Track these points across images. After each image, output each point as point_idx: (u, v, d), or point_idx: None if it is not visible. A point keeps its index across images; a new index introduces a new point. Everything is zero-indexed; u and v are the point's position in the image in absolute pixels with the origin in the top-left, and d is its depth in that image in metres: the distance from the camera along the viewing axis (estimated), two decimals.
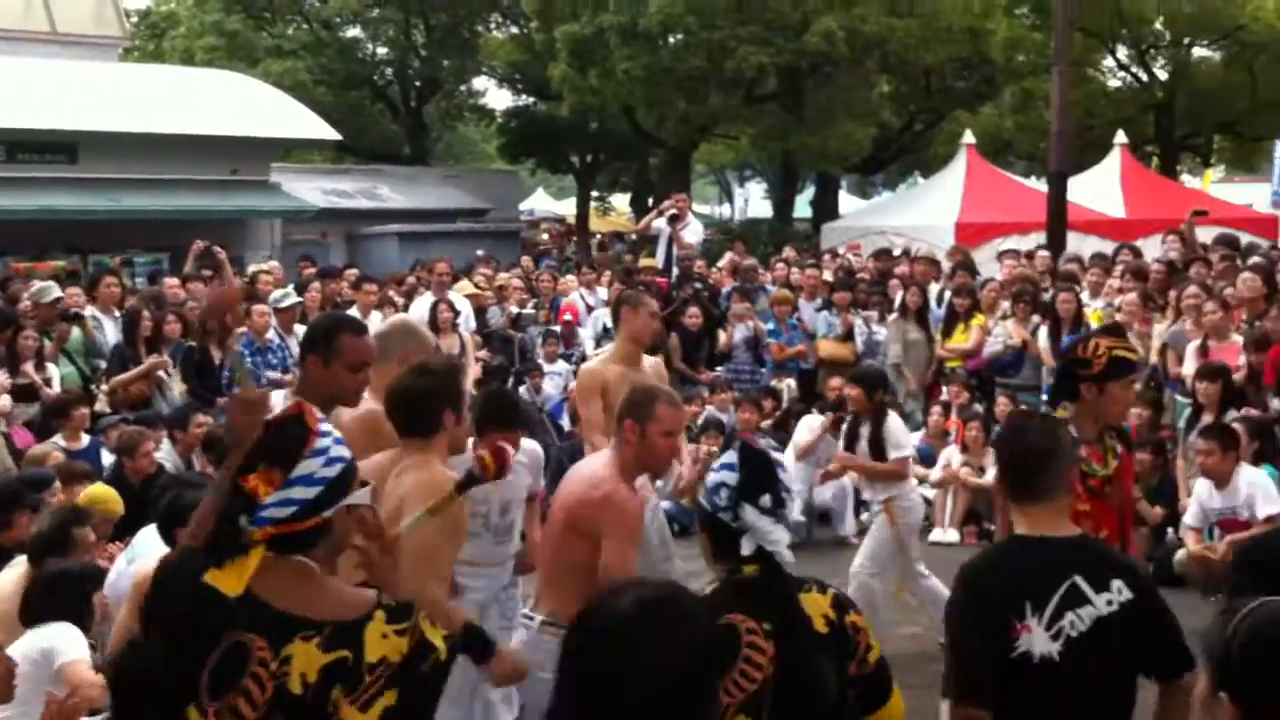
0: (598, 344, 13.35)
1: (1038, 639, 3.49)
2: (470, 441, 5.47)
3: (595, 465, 5.12)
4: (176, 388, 10.90)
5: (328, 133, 23.44)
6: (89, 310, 11.40)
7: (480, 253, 19.34)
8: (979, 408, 11.65)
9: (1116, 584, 3.58)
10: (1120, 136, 22.05)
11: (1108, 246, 15.59)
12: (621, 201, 42.39)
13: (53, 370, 10.36)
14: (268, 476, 2.76)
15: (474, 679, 5.63)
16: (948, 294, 13.13)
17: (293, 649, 2.69)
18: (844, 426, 8.62)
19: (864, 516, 9.22)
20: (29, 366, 10.12)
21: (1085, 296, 12.13)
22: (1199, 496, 8.86)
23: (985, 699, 3.51)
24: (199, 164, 20.72)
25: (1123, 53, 29.29)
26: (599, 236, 32.24)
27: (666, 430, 4.98)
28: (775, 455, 3.51)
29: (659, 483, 6.49)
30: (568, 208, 42.44)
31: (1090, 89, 27.55)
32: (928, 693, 5.24)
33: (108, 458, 8.92)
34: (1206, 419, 9.35)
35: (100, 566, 6.08)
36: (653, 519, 6.17)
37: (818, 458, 10.65)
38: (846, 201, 37.25)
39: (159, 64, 29.92)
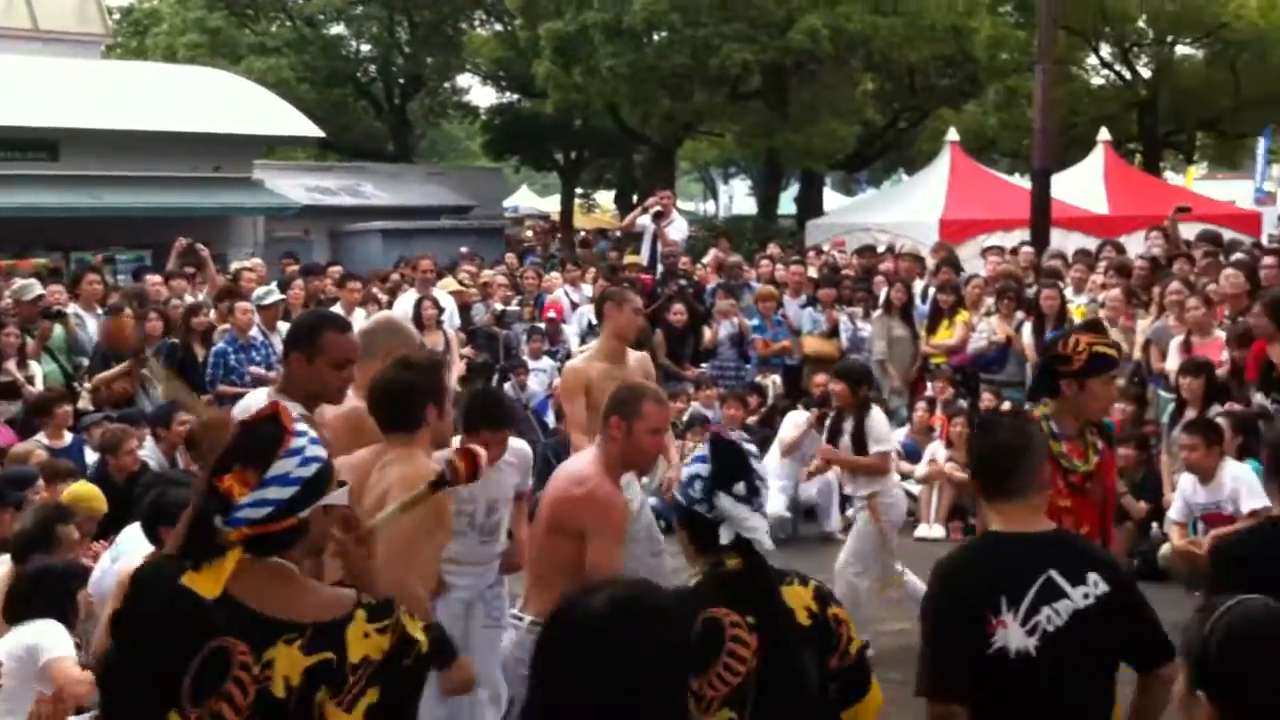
0: (582, 341, 13.35)
1: (1013, 634, 3.50)
2: (457, 439, 5.46)
3: (581, 463, 5.11)
4: (159, 386, 10.86)
5: (311, 130, 23.40)
6: (71, 308, 11.35)
7: (464, 250, 19.31)
8: (964, 403, 11.66)
9: (1093, 577, 3.58)
10: (1103, 134, 22.10)
11: (1091, 243, 15.62)
12: (606, 198, 42.39)
13: (35, 368, 10.31)
14: (242, 477, 2.73)
15: None
16: (932, 290, 13.16)
17: (275, 652, 2.67)
18: (827, 421, 8.63)
19: (849, 512, 9.22)
20: (11, 364, 10.08)
21: (1069, 293, 12.17)
22: (1183, 491, 8.87)
23: (959, 695, 3.51)
24: (182, 161, 20.67)
25: (1106, 50, 29.39)
26: (583, 233, 32.22)
27: (653, 428, 4.97)
28: (747, 446, 3.51)
29: (644, 479, 6.49)
30: (552, 205, 42.45)
31: (1073, 87, 27.63)
32: (913, 688, 5.23)
33: (91, 455, 8.88)
34: (1190, 414, 9.38)
35: (84, 564, 6.06)
36: (639, 515, 6.16)
37: (803, 454, 10.66)
38: (831, 198, 37.29)
39: (141, 61, 29.82)
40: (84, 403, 10.39)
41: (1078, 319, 10.89)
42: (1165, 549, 9.09)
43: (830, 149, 27.31)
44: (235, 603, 2.69)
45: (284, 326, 10.60)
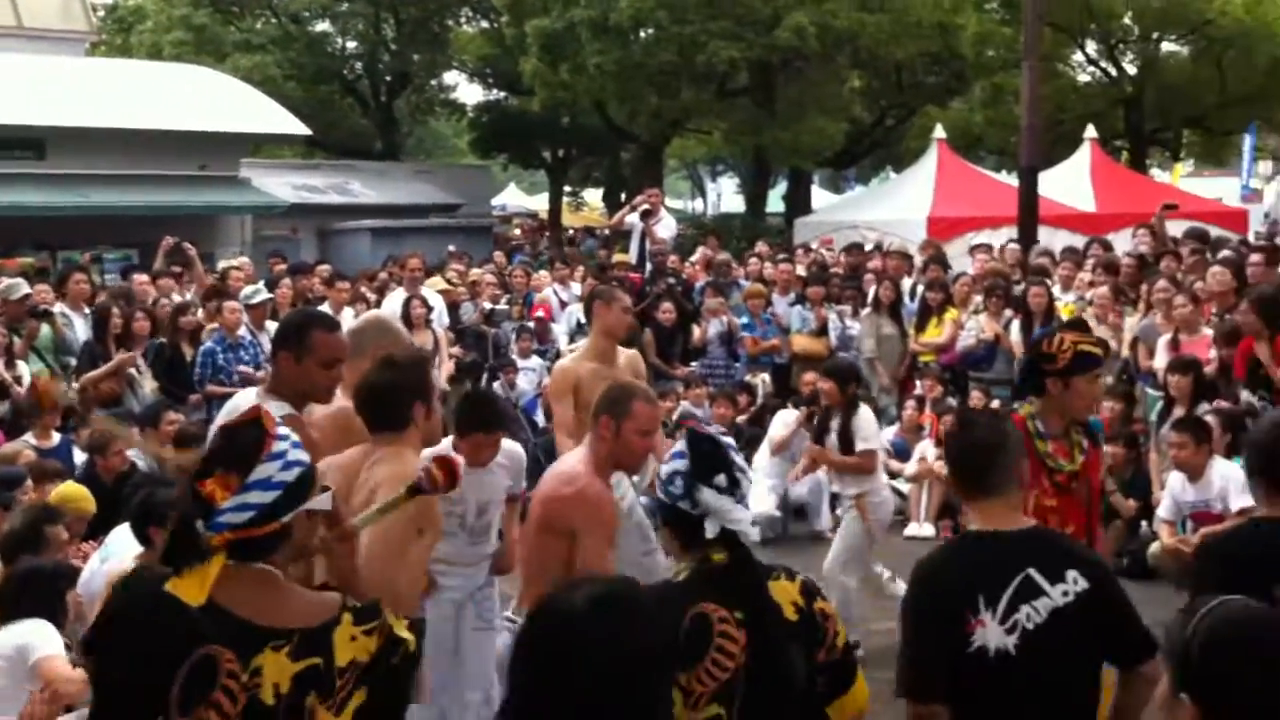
0: (571, 339, 13.36)
1: (992, 633, 3.50)
2: (449, 441, 5.46)
3: (571, 462, 5.11)
4: (148, 385, 10.84)
5: (298, 128, 23.31)
6: (58, 307, 11.30)
7: (452, 248, 19.28)
8: (953, 401, 11.68)
9: (1072, 574, 3.58)
10: (1090, 131, 22.15)
11: (1078, 240, 15.66)
12: (594, 196, 42.40)
13: (23, 368, 10.27)
14: (224, 481, 2.72)
15: (450, 679, 5.64)
16: (920, 288, 13.18)
17: (263, 660, 2.67)
18: (815, 420, 8.63)
19: (838, 511, 9.23)
20: None
21: (1056, 290, 12.19)
22: (1172, 489, 8.89)
23: (939, 695, 3.53)
24: (168, 159, 20.57)
25: (1092, 47, 29.47)
26: (571, 231, 32.21)
27: (643, 429, 4.98)
28: (724, 438, 3.50)
29: (635, 478, 6.48)
30: (540, 203, 42.39)
31: (1060, 84, 27.69)
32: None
33: (79, 456, 8.85)
34: (1178, 412, 9.39)
35: (73, 565, 6.04)
36: (631, 513, 6.16)
37: (793, 453, 10.67)
38: (819, 196, 37.32)
39: (127, 59, 29.70)
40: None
41: (1065, 317, 10.91)
42: (1155, 547, 9.11)
43: (818, 146, 27.32)
44: (221, 610, 2.68)
45: (272, 326, 10.58)
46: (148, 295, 12.38)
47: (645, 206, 15.55)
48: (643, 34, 25.55)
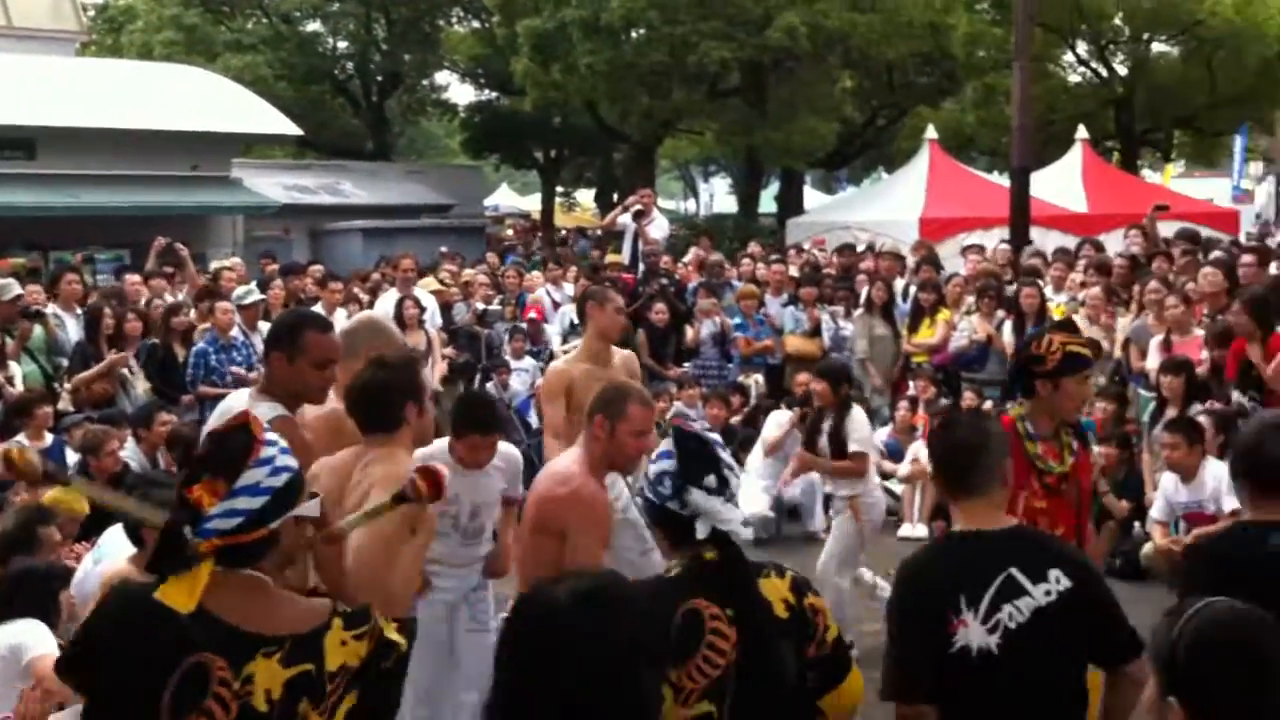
0: (564, 340, 13.35)
1: (974, 633, 3.51)
2: (445, 442, 5.45)
3: (565, 462, 5.11)
4: (140, 385, 10.82)
5: (289, 128, 23.29)
6: (50, 308, 11.28)
7: (444, 249, 19.27)
8: (946, 402, 11.69)
9: (1054, 574, 3.59)
10: (1081, 132, 22.15)
11: (1070, 241, 15.69)
12: (586, 197, 42.37)
13: (15, 368, 10.25)
14: (212, 487, 2.71)
15: (444, 680, 5.64)
16: (913, 289, 13.19)
17: (254, 667, 2.66)
18: (808, 421, 8.64)
19: (831, 513, 9.23)
20: None
21: (1048, 291, 12.21)
22: (1165, 490, 8.91)
23: (924, 695, 3.54)
24: (159, 160, 20.55)
25: (1082, 48, 29.47)
26: (564, 232, 32.19)
27: (636, 430, 4.97)
28: (710, 434, 3.49)
29: (629, 478, 6.48)
30: (532, 203, 42.41)
31: (1051, 84, 27.69)
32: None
33: (72, 456, 8.83)
34: (1170, 413, 9.41)
35: (66, 566, 6.04)
36: (626, 513, 6.16)
37: (786, 453, 10.67)
38: (811, 197, 37.33)
39: (117, 59, 29.65)
40: (64, 403, 10.33)
41: (1058, 317, 10.92)
42: (1147, 548, 9.13)
43: (810, 147, 27.33)
44: (211, 618, 2.67)
45: (265, 326, 10.57)
46: (140, 296, 12.37)
47: (638, 207, 15.54)
48: (634, 34, 25.53)
